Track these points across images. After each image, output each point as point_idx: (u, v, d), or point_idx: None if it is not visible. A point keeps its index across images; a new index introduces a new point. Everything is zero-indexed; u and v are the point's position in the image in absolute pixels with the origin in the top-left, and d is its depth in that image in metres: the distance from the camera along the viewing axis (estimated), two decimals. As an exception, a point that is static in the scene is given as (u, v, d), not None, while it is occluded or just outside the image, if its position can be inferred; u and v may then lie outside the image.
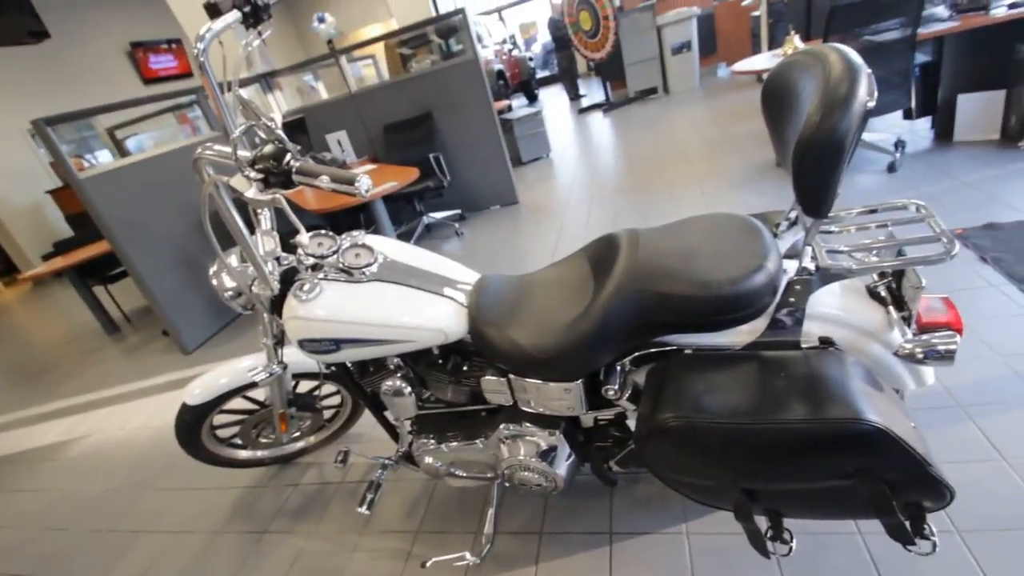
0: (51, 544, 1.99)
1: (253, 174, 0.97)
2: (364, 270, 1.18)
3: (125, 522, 1.98)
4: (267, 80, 4.41)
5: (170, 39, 9.05)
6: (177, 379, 3.01)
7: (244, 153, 0.99)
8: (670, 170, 3.98)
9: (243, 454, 1.85)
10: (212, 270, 1.33)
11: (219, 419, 1.73)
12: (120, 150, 5.78)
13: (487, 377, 1.21)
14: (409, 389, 1.29)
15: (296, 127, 4.11)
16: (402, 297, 1.17)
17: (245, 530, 1.75)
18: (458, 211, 4.28)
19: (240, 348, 3.13)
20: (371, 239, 1.30)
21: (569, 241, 3.27)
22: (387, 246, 1.30)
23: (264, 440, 1.83)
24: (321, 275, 1.18)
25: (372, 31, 10.93)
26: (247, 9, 1.13)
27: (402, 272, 1.22)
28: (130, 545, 1.85)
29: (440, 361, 1.30)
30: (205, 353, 3.23)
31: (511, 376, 1.18)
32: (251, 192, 0.99)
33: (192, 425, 1.64)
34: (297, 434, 1.88)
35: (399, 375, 1.30)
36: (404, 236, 4.00)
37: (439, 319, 1.16)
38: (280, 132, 0.99)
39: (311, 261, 1.17)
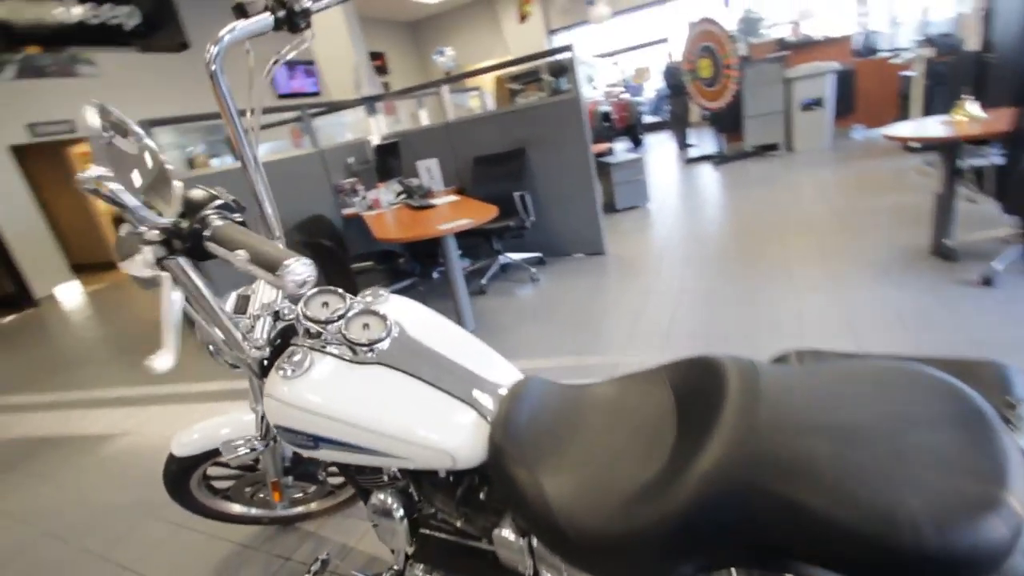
0: (46, 553, 1.87)
1: (150, 234, 0.74)
2: (371, 348, 0.90)
3: (116, 552, 1.81)
4: (372, 103, 4.46)
5: (308, 60, 9.83)
6: (228, 389, 2.93)
7: (136, 204, 0.71)
8: (788, 241, 3.43)
9: (236, 509, 1.62)
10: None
11: (214, 470, 1.51)
12: (235, 157, 6.19)
13: (502, 533, 0.86)
14: (402, 513, 0.97)
15: (389, 151, 4.08)
16: (408, 395, 0.87)
17: (218, 604, 1.50)
18: (538, 255, 3.99)
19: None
20: (393, 304, 1.03)
21: (655, 310, 2.84)
22: (408, 315, 1.01)
23: (260, 499, 1.59)
24: (320, 343, 0.91)
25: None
26: (281, 14, 0.90)
27: (417, 357, 0.92)
28: (108, 585, 1.67)
29: (449, 480, 0.97)
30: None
31: (534, 542, 0.82)
32: (135, 264, 0.76)
33: (179, 475, 1.43)
34: (296, 501, 1.62)
35: (392, 490, 0.99)
36: (476, 274, 3.77)
37: (448, 437, 0.83)
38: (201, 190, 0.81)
39: (309, 326, 0.91)
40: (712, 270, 3.20)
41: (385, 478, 1.01)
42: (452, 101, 4.30)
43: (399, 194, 3.86)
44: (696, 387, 0.76)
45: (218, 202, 0.81)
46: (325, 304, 0.96)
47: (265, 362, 0.99)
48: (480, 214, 2.91)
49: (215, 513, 1.59)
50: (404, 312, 1.03)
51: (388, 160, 3.99)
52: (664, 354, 2.36)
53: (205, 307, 0.85)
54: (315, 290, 0.99)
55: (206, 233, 0.75)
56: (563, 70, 7.78)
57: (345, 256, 3.28)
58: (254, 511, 1.64)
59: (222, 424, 1.37)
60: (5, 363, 4.47)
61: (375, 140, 4.33)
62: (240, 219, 0.83)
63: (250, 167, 1.03)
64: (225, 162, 6.86)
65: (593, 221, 3.83)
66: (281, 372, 0.87)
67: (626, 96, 9.22)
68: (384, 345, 0.91)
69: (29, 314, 6.26)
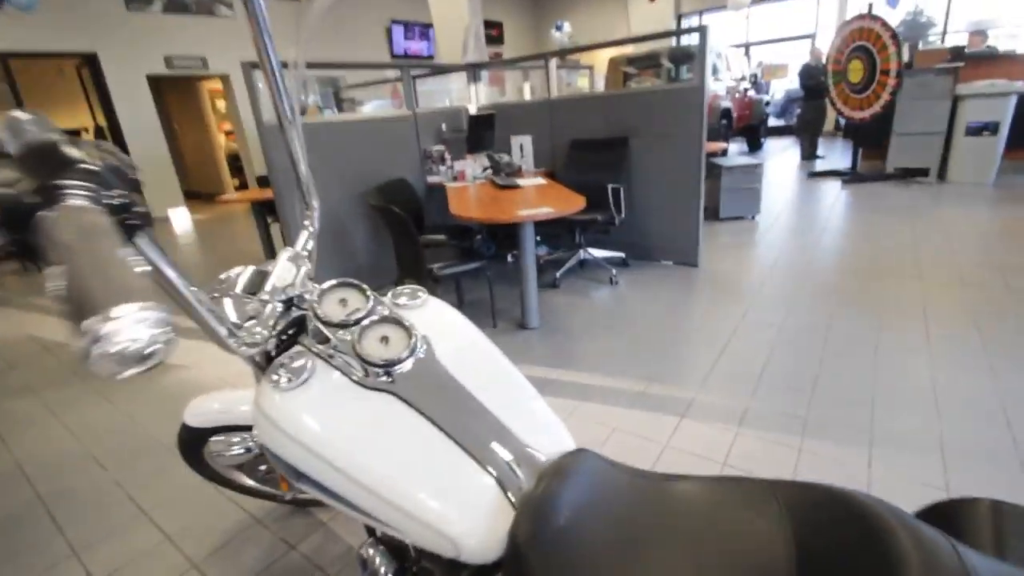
0: (86, 477, 1.91)
1: None
2: (386, 371, 0.70)
3: (142, 494, 1.80)
4: (475, 70, 4.26)
5: (427, 23, 9.85)
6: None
7: None
8: (929, 292, 2.85)
9: (249, 482, 1.52)
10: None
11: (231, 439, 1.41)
12: (339, 110, 6.30)
13: None
14: None
15: (484, 122, 3.87)
16: (415, 443, 0.66)
17: (213, 581, 1.42)
18: (622, 255, 3.65)
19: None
20: (428, 312, 0.82)
21: (746, 345, 2.45)
22: (443, 331, 0.80)
23: (271, 479, 1.48)
24: (328, 349, 0.72)
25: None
26: None
27: (439, 393, 0.71)
28: (125, 529, 1.65)
29: (455, 563, 0.75)
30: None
31: None
32: None
33: (192, 443, 1.33)
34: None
35: (383, 548, 0.79)
36: (552, 265, 3.51)
37: (454, 516, 0.61)
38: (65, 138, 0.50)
39: (318, 327, 0.73)
40: (824, 309, 2.72)
41: (378, 532, 0.81)
42: (560, 78, 4.00)
43: (486, 168, 3.66)
44: (838, 540, 0.48)
45: (86, 167, 0.49)
46: (343, 302, 0.77)
47: (273, 353, 0.81)
48: (566, 203, 2.64)
49: (228, 483, 1.50)
50: (439, 326, 0.81)
51: (482, 131, 3.80)
52: (750, 403, 2.00)
53: (164, 284, 0.65)
54: (334, 282, 0.80)
55: (40, 213, 0.45)
56: (686, 57, 7.16)
57: (419, 227, 3.15)
58: (266, 488, 1.53)
59: (242, 400, 1.23)
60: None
61: (472, 109, 4.14)
62: (118, 206, 0.52)
63: (286, 121, 0.84)
64: (333, 114, 7.07)
65: (690, 227, 3.42)
66: (274, 379, 0.69)
67: (752, 93, 8.38)
68: (404, 367, 0.71)
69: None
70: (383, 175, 3.34)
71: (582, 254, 3.56)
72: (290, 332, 0.80)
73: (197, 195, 8.66)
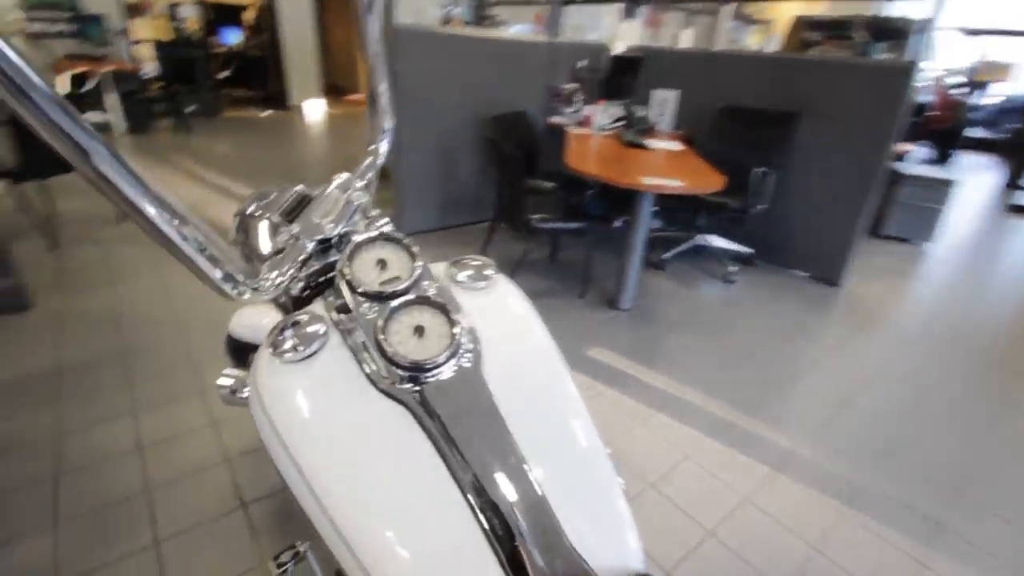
0: (166, 342, 1.98)
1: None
2: (412, 375, 0.49)
3: (207, 373, 1.83)
4: (633, 5, 3.74)
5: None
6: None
7: None
8: None
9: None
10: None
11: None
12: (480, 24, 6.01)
13: None
14: None
15: (628, 66, 3.42)
16: (412, 486, 0.46)
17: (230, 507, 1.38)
18: (748, 251, 3.15)
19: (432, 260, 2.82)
20: (490, 298, 0.60)
21: (881, 404, 1.99)
22: (501, 329, 0.58)
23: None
24: (350, 320, 0.53)
25: (790, 5, 9.28)
26: None
27: (472, 425, 0.49)
28: (181, 403, 1.67)
29: None
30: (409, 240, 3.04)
31: None
32: None
33: (237, 353, 1.25)
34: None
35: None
36: (662, 243, 3.10)
37: None
38: None
39: (342, 290, 0.54)
40: (996, 384, 2.14)
41: None
42: (728, 29, 3.40)
43: (617, 120, 3.25)
44: None
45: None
46: (381, 264, 0.56)
47: (306, 292, 0.63)
48: (700, 179, 2.23)
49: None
50: (500, 325, 0.58)
51: (623, 77, 3.36)
52: (868, 481, 1.60)
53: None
54: (375, 233, 0.59)
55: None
56: (890, 32, 5.93)
57: (529, 169, 2.88)
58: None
59: (268, 320, 1.10)
60: (244, 146, 5.12)
61: (618, 49, 3.67)
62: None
63: (369, 39, 0.69)
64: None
65: (842, 238, 2.84)
66: (280, 338, 0.51)
67: (958, 91, 6.88)
68: (437, 376, 0.49)
69: (281, 115, 7.17)
70: (504, 105, 3.06)
71: (700, 239, 3.12)
72: (322, 280, 0.62)
73: (337, 89, 8.92)
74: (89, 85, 4.60)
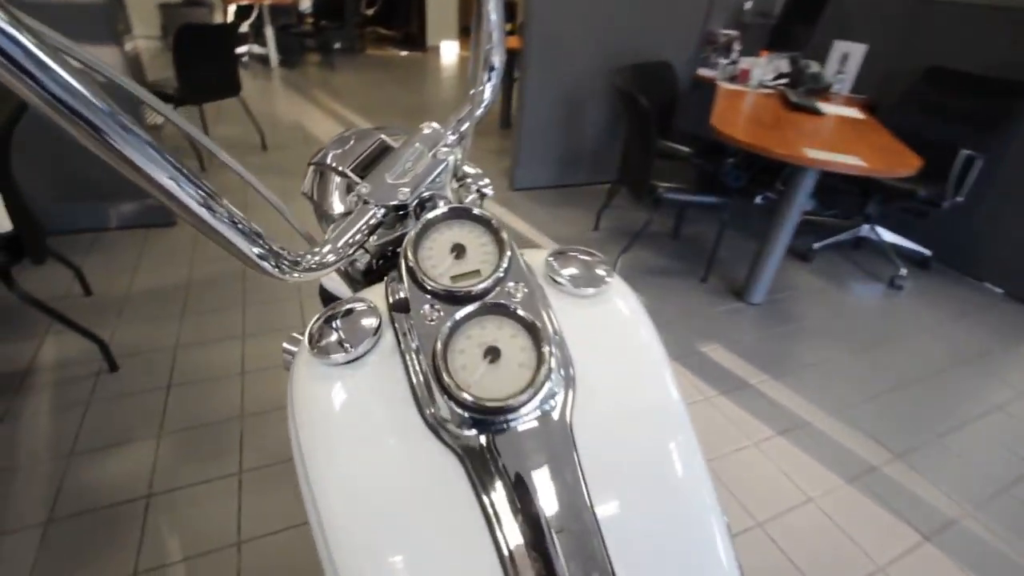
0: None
1: None
2: (474, 420, 0.35)
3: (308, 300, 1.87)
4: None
5: None
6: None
7: None
8: None
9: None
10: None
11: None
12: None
13: None
14: None
15: (809, 10, 2.84)
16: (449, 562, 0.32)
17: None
18: (925, 252, 2.56)
19: (543, 220, 2.66)
20: (606, 311, 0.44)
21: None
22: (618, 361, 0.42)
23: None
24: (407, 321, 0.40)
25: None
26: None
27: (545, 495, 0.34)
28: (284, 328, 1.73)
29: None
30: (521, 196, 2.90)
31: None
32: None
33: (330, 301, 1.21)
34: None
35: None
36: (814, 229, 2.62)
37: None
38: None
39: (408, 287, 0.40)
40: None
41: None
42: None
43: (781, 76, 2.74)
44: None
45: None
46: (457, 250, 0.42)
47: (378, 264, 0.54)
48: (887, 160, 1.78)
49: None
50: (605, 346, 0.43)
51: (797, 23, 2.80)
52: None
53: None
54: (455, 206, 0.45)
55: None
56: None
57: (663, 129, 2.54)
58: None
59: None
60: (381, 84, 5.24)
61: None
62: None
63: None
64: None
65: (1071, 254, 2.18)
66: (318, 333, 0.40)
67: None
68: (513, 425, 0.35)
69: (418, 56, 7.24)
70: (646, 53, 2.70)
71: (865, 230, 2.58)
72: (393, 251, 0.52)
73: (470, 32, 8.82)
74: (252, 17, 4.91)
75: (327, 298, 1.09)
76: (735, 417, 1.59)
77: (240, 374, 1.58)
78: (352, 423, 0.37)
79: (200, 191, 0.34)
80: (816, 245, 2.52)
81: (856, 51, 2.70)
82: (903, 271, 2.38)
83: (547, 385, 0.35)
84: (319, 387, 0.38)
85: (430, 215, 0.43)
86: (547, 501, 0.33)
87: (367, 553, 0.33)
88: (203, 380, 1.55)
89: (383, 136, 0.57)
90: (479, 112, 0.57)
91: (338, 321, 0.40)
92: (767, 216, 2.03)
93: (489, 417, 0.34)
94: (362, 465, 0.35)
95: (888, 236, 2.58)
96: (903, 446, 1.55)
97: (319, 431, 0.37)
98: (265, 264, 0.39)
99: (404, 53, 7.28)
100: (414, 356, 0.38)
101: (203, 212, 0.34)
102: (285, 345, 0.54)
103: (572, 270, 0.44)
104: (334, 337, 0.39)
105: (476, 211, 0.44)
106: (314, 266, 0.44)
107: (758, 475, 1.41)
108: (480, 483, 0.33)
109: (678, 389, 0.41)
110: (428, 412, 0.36)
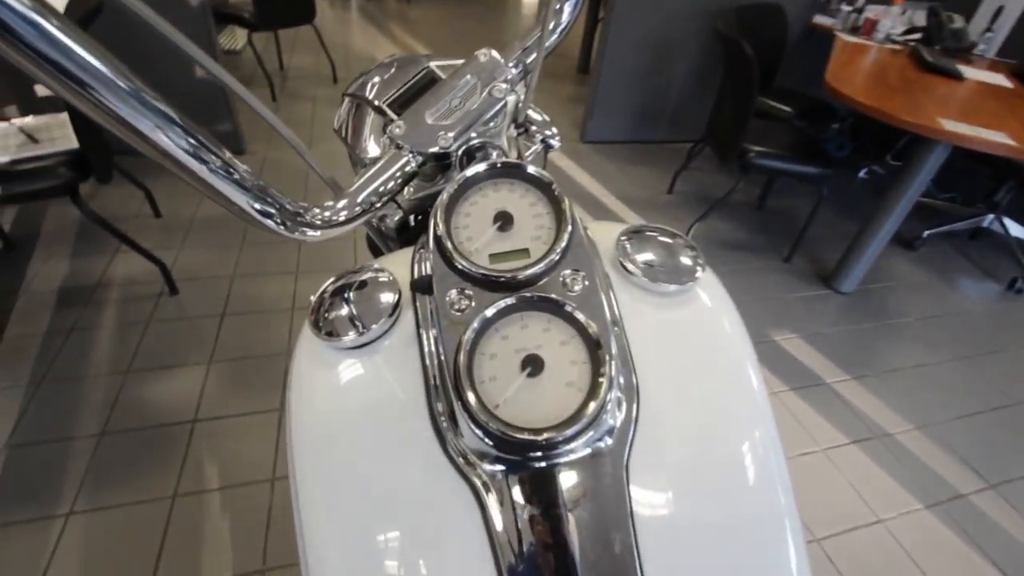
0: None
1: None
2: (505, 452, 0.26)
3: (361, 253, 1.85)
4: None
5: None
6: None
7: None
8: None
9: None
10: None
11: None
12: None
13: None
14: None
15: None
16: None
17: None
18: (1063, 252, 2.19)
19: (612, 177, 2.47)
20: (689, 318, 0.33)
21: None
22: (696, 384, 0.32)
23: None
24: (429, 308, 0.31)
25: None
26: None
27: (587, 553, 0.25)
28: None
29: None
30: (592, 149, 2.70)
31: None
32: None
33: (377, 251, 1.16)
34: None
35: None
36: (926, 215, 2.29)
37: None
38: None
39: (435, 262, 0.31)
40: None
41: None
42: None
43: (915, 30, 2.34)
44: None
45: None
46: (501, 220, 0.33)
47: (416, 220, 0.46)
48: (1040, 137, 1.47)
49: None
50: (684, 363, 0.32)
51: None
52: None
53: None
54: (505, 160, 0.35)
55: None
56: None
57: (765, 83, 2.24)
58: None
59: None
60: (460, 17, 5.03)
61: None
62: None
63: None
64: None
65: None
66: (325, 306, 0.33)
67: None
68: (552, 459, 0.26)
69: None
70: (754, -7, 2.37)
71: (989, 219, 2.23)
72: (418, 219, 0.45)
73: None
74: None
75: (376, 249, 1.01)
76: (805, 418, 1.43)
77: (291, 309, 1.58)
78: (351, 425, 0.30)
79: (190, 139, 0.27)
80: (926, 233, 2.20)
81: (1015, 5, 2.25)
82: (1030, 273, 2.05)
83: (602, 416, 0.26)
84: (320, 376, 0.32)
85: (471, 171, 0.33)
86: (585, 572, 0.24)
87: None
88: (255, 311, 1.56)
89: (432, 65, 0.46)
90: (551, 41, 0.46)
91: (351, 293, 0.33)
92: (870, 193, 1.77)
93: (519, 449, 0.26)
94: (355, 480, 0.28)
95: (1016, 230, 2.22)
96: (999, 475, 1.35)
97: (312, 428, 0.30)
98: (268, 222, 0.33)
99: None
100: (433, 352, 0.30)
101: (192, 163, 0.28)
102: (312, 298, 0.47)
103: (650, 255, 0.34)
104: (344, 311, 0.32)
105: (532, 169, 0.34)
106: (323, 222, 0.36)
107: (823, 485, 1.28)
108: (496, 533, 0.25)
109: (776, 435, 0.30)
110: (442, 427, 0.28)
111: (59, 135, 1.45)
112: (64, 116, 1.44)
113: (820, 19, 2.54)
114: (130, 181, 1.83)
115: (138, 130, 0.25)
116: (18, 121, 1.51)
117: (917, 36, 2.30)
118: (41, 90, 2.01)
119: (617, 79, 2.62)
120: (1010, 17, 2.28)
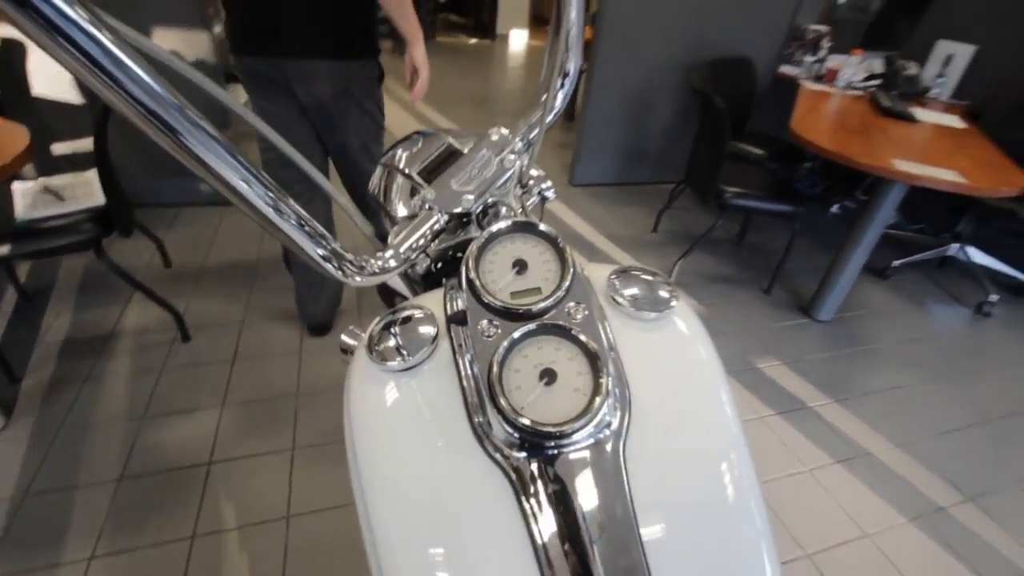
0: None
1: None
2: (529, 443, 0.35)
3: (358, 293, 1.93)
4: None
5: None
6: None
7: None
8: None
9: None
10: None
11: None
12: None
13: None
14: None
15: (910, 7, 2.61)
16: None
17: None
18: (1023, 278, 2.33)
19: (601, 218, 2.61)
20: (667, 338, 0.43)
21: None
22: (675, 389, 0.43)
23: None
24: (463, 336, 0.41)
25: None
26: None
27: (595, 531, 0.34)
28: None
29: None
30: (580, 192, 2.85)
31: None
32: None
33: (389, 297, 1.24)
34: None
35: None
36: (894, 246, 2.43)
37: None
38: None
39: (467, 299, 0.41)
40: None
41: None
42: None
43: (872, 77, 2.54)
44: None
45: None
46: (518, 266, 0.42)
47: (437, 268, 0.54)
48: (990, 176, 1.62)
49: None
50: (665, 374, 0.42)
51: (898, 17, 2.59)
52: None
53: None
54: (522, 219, 0.45)
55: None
56: None
57: (737, 128, 2.41)
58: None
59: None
60: (450, 74, 5.28)
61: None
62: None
63: None
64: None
65: None
66: (376, 338, 0.40)
67: None
68: (563, 449, 0.35)
69: (487, 44, 7.24)
70: (725, 47, 2.58)
71: (954, 249, 2.37)
72: (454, 255, 0.52)
73: (541, 20, 8.70)
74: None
75: (385, 292, 1.11)
76: (790, 440, 1.51)
77: (298, 352, 1.65)
78: (404, 431, 0.37)
79: (269, 192, 0.35)
80: (896, 262, 2.34)
81: (963, 52, 2.47)
82: (993, 297, 2.17)
83: (602, 413, 0.34)
84: (375, 392, 0.39)
85: (494, 228, 0.43)
86: (595, 532, 0.32)
87: (410, 560, 0.34)
88: (264, 356, 1.63)
89: (451, 140, 0.56)
90: (549, 119, 0.56)
91: (397, 327, 0.41)
92: (843, 227, 1.91)
93: (541, 441, 0.34)
94: (412, 473, 0.36)
95: (979, 257, 2.37)
96: (976, 488, 1.42)
97: (372, 435, 0.38)
98: (328, 266, 0.41)
99: (473, 41, 7.29)
100: (469, 370, 0.38)
101: (270, 212, 0.35)
102: (343, 338, 0.55)
103: (634, 291, 0.43)
104: (392, 343, 0.39)
105: (542, 227, 0.44)
106: (377, 271, 0.45)
107: (811, 504, 1.34)
108: (526, 506, 0.33)
109: (740, 425, 0.39)
110: (479, 427, 0.36)
111: (82, 192, 1.55)
112: (90, 174, 1.55)
113: (786, 69, 2.75)
114: (143, 233, 1.92)
115: (232, 186, 0.33)
116: (42, 180, 1.61)
117: (876, 82, 2.51)
118: (58, 149, 2.12)
119: (601, 126, 2.79)
120: (959, 64, 2.50)
